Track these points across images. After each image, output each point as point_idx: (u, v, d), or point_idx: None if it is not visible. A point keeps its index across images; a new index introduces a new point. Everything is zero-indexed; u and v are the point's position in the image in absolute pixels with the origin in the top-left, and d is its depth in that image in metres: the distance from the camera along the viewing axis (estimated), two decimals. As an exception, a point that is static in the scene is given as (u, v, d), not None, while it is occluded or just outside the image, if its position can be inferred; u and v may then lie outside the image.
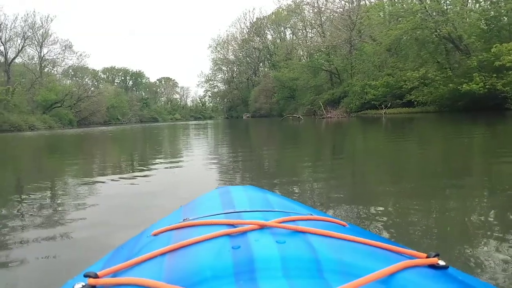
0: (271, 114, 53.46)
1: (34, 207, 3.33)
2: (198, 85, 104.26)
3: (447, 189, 3.49)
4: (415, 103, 25.96)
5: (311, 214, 0.87)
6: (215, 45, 75.34)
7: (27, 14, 53.93)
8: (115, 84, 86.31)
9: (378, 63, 32.25)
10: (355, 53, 36.76)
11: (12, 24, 55.98)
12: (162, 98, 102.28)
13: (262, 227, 0.69)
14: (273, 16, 64.52)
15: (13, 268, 1.94)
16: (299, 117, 28.45)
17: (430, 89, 24.71)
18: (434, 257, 0.61)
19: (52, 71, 59.70)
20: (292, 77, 49.46)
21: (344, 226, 0.82)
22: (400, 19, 27.22)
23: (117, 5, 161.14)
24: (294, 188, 3.78)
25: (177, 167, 5.85)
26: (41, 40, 55.03)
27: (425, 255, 0.63)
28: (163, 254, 0.64)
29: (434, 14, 25.28)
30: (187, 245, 0.65)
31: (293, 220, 0.75)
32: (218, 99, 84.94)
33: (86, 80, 68.80)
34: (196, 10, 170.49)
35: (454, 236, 2.21)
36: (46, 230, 2.57)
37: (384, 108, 27.65)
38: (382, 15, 30.25)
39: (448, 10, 25.01)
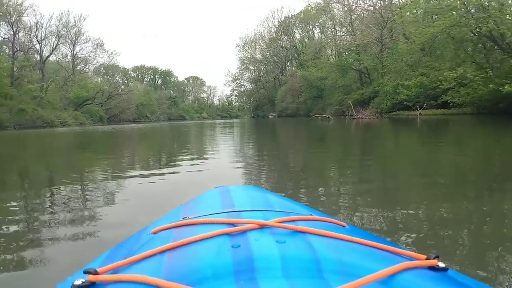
0: (297, 114, 52.83)
1: (63, 201, 3.40)
2: (225, 84, 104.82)
3: (492, 199, 3.12)
4: (451, 104, 24.72)
5: (311, 214, 0.87)
6: (242, 44, 75.41)
7: (62, 14, 55.66)
8: (145, 82, 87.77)
9: (411, 62, 31.07)
10: (387, 52, 35.54)
11: (47, 23, 57.55)
12: (190, 97, 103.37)
13: (262, 227, 0.69)
14: (302, 15, 63.77)
15: (40, 259, 1.98)
16: (328, 117, 27.45)
17: (467, 90, 23.45)
18: (434, 259, 0.61)
19: (84, 69, 61.21)
20: (320, 77, 48.65)
21: (343, 226, 0.82)
22: (436, 16, 26.09)
23: (148, 6, 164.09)
24: (321, 193, 3.53)
25: (203, 165, 5.89)
26: (74, 39, 56.53)
27: (424, 256, 0.63)
28: (162, 252, 0.63)
29: (473, 10, 24.07)
30: (187, 243, 0.65)
31: (293, 220, 0.75)
32: (244, 98, 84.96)
33: (117, 78, 70.18)
34: (225, 10, 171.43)
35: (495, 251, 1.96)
36: (73, 223, 2.62)
37: (419, 109, 26.44)
38: (417, 12, 29.03)
39: (489, 7, 23.69)
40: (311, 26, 65.19)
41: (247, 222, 0.71)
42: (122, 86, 64.09)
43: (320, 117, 30.42)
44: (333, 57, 55.18)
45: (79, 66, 59.88)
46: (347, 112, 33.67)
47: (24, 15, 46.35)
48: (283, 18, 68.60)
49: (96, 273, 0.57)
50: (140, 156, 8.50)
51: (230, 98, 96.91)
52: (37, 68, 48.49)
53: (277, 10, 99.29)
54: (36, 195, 3.96)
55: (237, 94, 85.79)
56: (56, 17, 64.06)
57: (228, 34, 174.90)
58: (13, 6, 44.30)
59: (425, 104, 26.35)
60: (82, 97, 49.40)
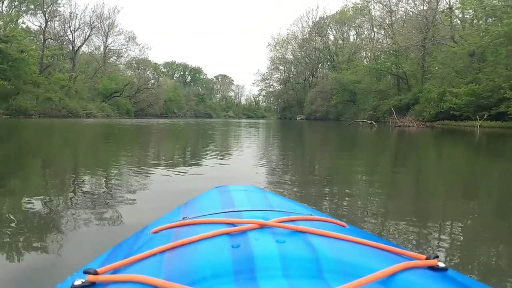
0: (327, 117, 50.93)
1: (84, 190, 3.51)
2: (253, 83, 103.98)
3: None
4: (511, 115, 21.73)
5: (311, 214, 0.87)
6: (274, 43, 73.91)
7: (96, 5, 55.72)
8: (174, 78, 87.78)
9: (459, 68, 28.55)
10: (434, 55, 32.94)
11: (81, 13, 57.93)
12: (218, 95, 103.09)
13: (262, 227, 0.70)
14: (338, 16, 61.86)
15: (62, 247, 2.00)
16: (371, 123, 24.73)
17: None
18: (433, 259, 0.61)
19: (117, 62, 61.31)
20: (354, 80, 46.60)
21: (343, 226, 0.82)
22: (492, 19, 23.64)
23: (180, 3, 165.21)
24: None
25: (225, 164, 5.86)
26: (107, 31, 56.64)
27: (424, 256, 0.63)
28: (162, 252, 0.64)
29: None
30: (187, 243, 0.65)
31: (293, 220, 0.75)
32: (272, 99, 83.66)
33: (147, 72, 70.15)
34: (259, 9, 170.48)
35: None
36: (95, 214, 2.60)
37: (479, 120, 22.87)
38: (472, 13, 26.49)
39: None
40: (346, 28, 63.14)
41: (247, 222, 0.71)
42: (152, 81, 63.91)
43: (361, 123, 27.68)
44: (367, 60, 53.19)
45: (112, 59, 60.02)
46: (387, 119, 31.29)
47: (60, 5, 46.56)
48: (317, 19, 66.83)
49: (96, 273, 0.58)
50: (164, 151, 8.48)
51: (257, 98, 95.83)
52: (69, 58, 48.57)
53: (312, 10, 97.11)
54: (58, 182, 4.09)
55: (264, 94, 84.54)
56: (91, 8, 64.74)
57: (261, 33, 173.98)
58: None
59: (485, 115, 23.08)
60: (111, 89, 49.18)
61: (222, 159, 6.54)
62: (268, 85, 79.71)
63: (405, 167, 6.42)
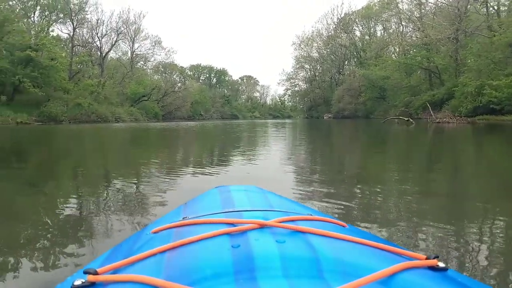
0: (356, 115, 49.67)
1: (115, 193, 3.57)
2: (279, 83, 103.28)
3: None
4: None
5: (311, 214, 0.87)
6: (299, 42, 72.99)
7: (122, 11, 56.70)
8: (200, 81, 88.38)
9: (500, 59, 26.88)
10: (470, 47, 31.24)
11: (108, 20, 59.14)
12: (243, 96, 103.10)
13: (262, 227, 0.70)
14: (363, 11, 60.47)
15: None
16: (408, 119, 22.98)
17: None
18: (433, 259, 0.61)
19: (144, 67, 62.19)
20: (383, 76, 45.22)
21: (343, 226, 0.82)
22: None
23: (205, 5, 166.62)
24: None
25: (253, 164, 5.77)
26: (133, 36, 57.54)
27: (424, 256, 0.63)
28: (162, 252, 0.64)
29: None
30: (187, 243, 0.65)
31: (293, 220, 0.75)
32: (297, 98, 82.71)
33: (174, 76, 70.87)
34: (281, 7, 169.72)
35: None
36: (124, 214, 2.70)
37: None
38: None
39: None
40: (373, 23, 61.61)
41: (247, 222, 0.72)
42: (179, 84, 64.49)
43: (396, 120, 25.93)
44: (395, 55, 51.59)
45: (139, 64, 60.93)
46: (421, 116, 29.60)
47: (87, 12, 47.60)
48: (343, 15, 65.48)
49: (96, 273, 0.58)
50: (196, 152, 8.62)
51: (283, 98, 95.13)
52: (97, 64, 49.55)
53: (337, 6, 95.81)
54: (90, 185, 4.14)
55: (290, 93, 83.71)
56: (117, 14, 65.99)
57: (284, 32, 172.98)
58: (78, 3, 45.55)
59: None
60: (139, 93, 49.80)
61: (251, 159, 6.54)
62: (293, 84, 78.95)
63: (463, 168, 5.68)
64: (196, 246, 0.64)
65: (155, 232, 0.78)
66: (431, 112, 27.52)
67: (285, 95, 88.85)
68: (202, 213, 0.88)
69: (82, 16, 46.62)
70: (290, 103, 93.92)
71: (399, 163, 6.34)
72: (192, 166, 5.61)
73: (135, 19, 56.89)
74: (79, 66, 43.17)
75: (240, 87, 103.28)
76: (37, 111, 30.71)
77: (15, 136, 15.08)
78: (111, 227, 2.43)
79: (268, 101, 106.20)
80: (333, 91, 60.53)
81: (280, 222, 0.71)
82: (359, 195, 3.54)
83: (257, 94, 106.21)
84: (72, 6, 44.75)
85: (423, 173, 5.03)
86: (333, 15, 68.75)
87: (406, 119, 23.58)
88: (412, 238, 2.20)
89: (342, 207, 2.92)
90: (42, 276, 1.72)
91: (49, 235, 2.32)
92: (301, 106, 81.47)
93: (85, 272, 0.57)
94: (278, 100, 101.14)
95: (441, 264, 0.60)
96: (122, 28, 54.62)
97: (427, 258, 0.62)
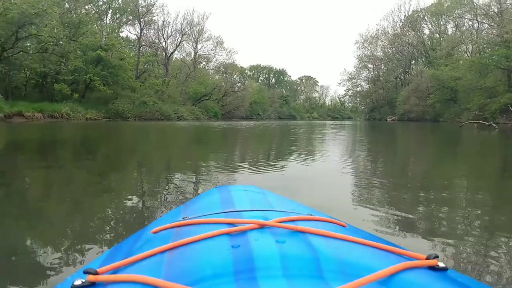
0: (422, 118, 46.70)
1: (174, 187, 3.78)
2: (339, 83, 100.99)
3: None
4: None
5: (311, 214, 0.87)
6: (362, 40, 70.60)
7: (187, 12, 58.39)
8: (259, 81, 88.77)
9: None
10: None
11: (173, 21, 61.24)
12: (302, 96, 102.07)
13: (262, 227, 0.70)
14: (433, 8, 56.97)
15: None
16: (490, 124, 20.69)
17: None
18: (433, 259, 0.61)
19: (206, 67, 63.67)
20: (455, 76, 42.03)
21: (344, 226, 0.82)
22: None
23: (265, 5, 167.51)
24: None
25: (310, 166, 5.65)
26: (196, 37, 59.06)
27: (424, 256, 0.63)
28: (162, 252, 0.64)
29: None
30: (187, 243, 0.65)
31: (293, 220, 0.75)
32: (359, 99, 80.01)
33: (234, 76, 71.82)
34: (343, 5, 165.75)
35: None
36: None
37: None
38: None
39: None
40: (443, 20, 57.80)
41: (247, 222, 0.72)
42: (239, 84, 65.18)
43: (476, 125, 23.36)
44: (468, 54, 47.87)
45: (202, 64, 62.46)
46: (498, 120, 26.80)
47: (154, 14, 49.62)
48: (410, 12, 62.25)
49: (96, 273, 0.58)
50: (256, 150, 8.59)
51: (343, 99, 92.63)
52: (162, 64, 51.49)
53: (405, 3, 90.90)
54: (152, 179, 4.37)
55: (351, 94, 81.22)
56: (182, 16, 68.21)
57: (346, 31, 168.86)
58: (146, 6, 47.64)
59: None
60: (200, 93, 50.98)
61: (309, 159, 6.45)
62: (355, 84, 76.49)
63: None
64: (196, 246, 0.64)
65: (155, 232, 0.77)
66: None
67: (345, 95, 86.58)
68: (202, 213, 0.88)
69: (149, 18, 48.64)
70: (350, 104, 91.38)
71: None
72: (252, 165, 5.42)
73: (198, 20, 58.31)
74: (145, 66, 45.10)
75: (298, 87, 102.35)
76: (105, 108, 32.47)
77: (92, 130, 16.16)
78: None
79: (327, 102, 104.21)
80: (398, 92, 57.73)
81: (280, 222, 0.71)
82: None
83: (316, 95, 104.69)
84: (140, 8, 46.87)
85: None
86: (399, 12, 65.83)
87: (487, 123, 21.25)
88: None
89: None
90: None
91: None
92: (362, 107, 78.86)
93: (85, 272, 0.57)
94: (338, 101, 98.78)
95: (441, 264, 0.60)
96: (186, 29, 56.27)
97: (427, 258, 0.62)
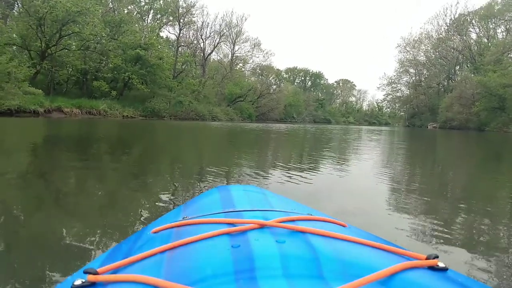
0: (466, 126, 44.32)
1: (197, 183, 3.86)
2: (378, 87, 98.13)
3: None
4: None
5: (311, 214, 0.87)
6: (404, 44, 68.44)
7: (225, 14, 58.63)
8: (295, 84, 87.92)
9: None
10: None
11: (212, 22, 61.71)
12: (338, 100, 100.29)
13: (262, 227, 0.70)
14: (482, 11, 54.12)
15: None
16: None
17: None
18: (433, 259, 0.61)
19: (242, 69, 63.72)
20: (504, 83, 39.52)
21: (344, 226, 0.82)
22: None
23: (303, 8, 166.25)
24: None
25: (344, 172, 5.41)
26: (234, 38, 59.20)
27: (424, 256, 0.63)
28: (162, 251, 0.64)
29: None
30: (187, 243, 0.66)
31: (293, 220, 0.75)
32: (398, 105, 77.37)
33: (270, 78, 71.48)
34: (384, 8, 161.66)
35: None
36: None
37: None
38: None
39: None
40: (493, 24, 54.81)
41: (247, 222, 0.72)
42: (274, 86, 64.75)
43: None
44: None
45: (238, 65, 62.56)
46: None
47: (194, 15, 50.09)
48: (457, 15, 59.52)
49: (96, 273, 0.58)
50: (278, 155, 8.43)
51: (381, 104, 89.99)
52: (199, 65, 51.87)
53: (451, 6, 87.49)
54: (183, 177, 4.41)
55: (390, 99, 78.68)
56: (221, 17, 68.62)
57: (387, 35, 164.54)
58: (186, 6, 48.18)
59: None
60: (235, 94, 50.98)
61: (343, 166, 6.32)
62: (395, 89, 74.05)
63: None
64: (196, 246, 0.63)
65: (155, 232, 0.77)
66: None
67: (384, 100, 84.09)
68: (202, 213, 0.87)
69: (189, 18, 49.16)
70: (388, 109, 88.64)
71: None
72: (286, 170, 5.20)
73: (237, 22, 58.61)
74: (183, 66, 45.54)
75: (335, 91, 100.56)
76: (142, 106, 32.89)
77: (134, 128, 16.27)
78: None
79: (365, 107, 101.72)
80: (441, 99, 55.24)
81: (280, 222, 0.71)
82: None
83: (352, 99, 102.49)
84: (180, 9, 47.43)
85: None
86: (445, 15, 63.20)
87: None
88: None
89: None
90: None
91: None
92: (401, 113, 76.22)
93: (85, 272, 0.57)
94: (376, 106, 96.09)
95: (441, 264, 0.60)
96: (225, 31, 56.54)
97: (427, 258, 0.61)
